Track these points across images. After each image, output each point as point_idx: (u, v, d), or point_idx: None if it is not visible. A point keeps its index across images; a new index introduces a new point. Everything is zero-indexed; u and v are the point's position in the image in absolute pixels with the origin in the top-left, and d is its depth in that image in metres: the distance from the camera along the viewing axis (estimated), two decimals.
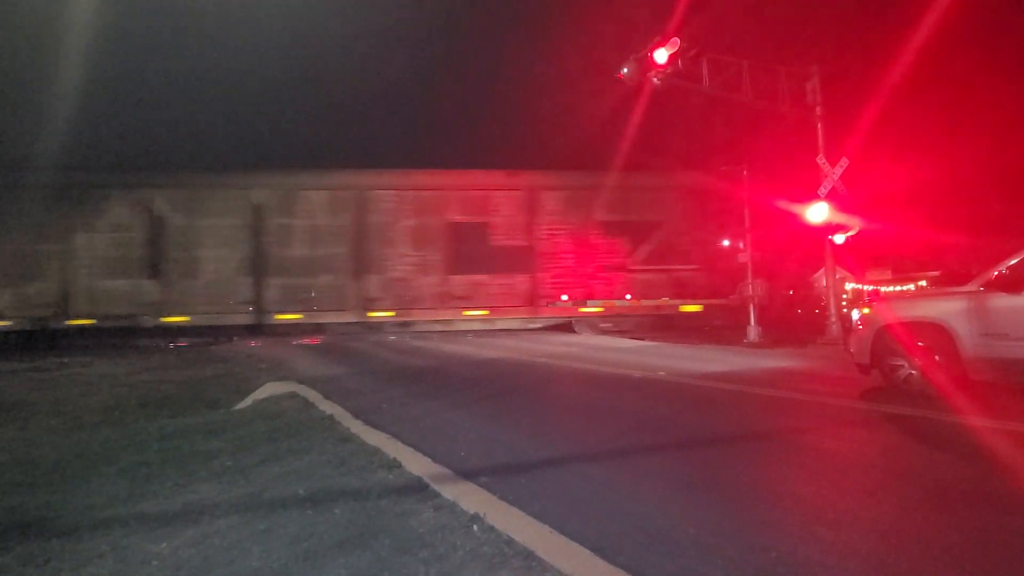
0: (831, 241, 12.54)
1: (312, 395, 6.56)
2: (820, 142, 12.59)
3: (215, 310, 17.54)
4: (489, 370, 9.52)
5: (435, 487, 3.20)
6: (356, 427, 4.83)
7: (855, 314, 6.81)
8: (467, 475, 3.45)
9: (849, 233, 12.18)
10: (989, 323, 5.26)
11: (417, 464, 3.68)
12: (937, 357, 5.58)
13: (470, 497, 3.01)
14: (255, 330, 17.91)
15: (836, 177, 11.89)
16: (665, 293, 18.85)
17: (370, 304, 18.02)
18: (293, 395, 6.67)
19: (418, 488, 3.21)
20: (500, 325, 19.16)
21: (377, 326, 18.60)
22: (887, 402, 5.49)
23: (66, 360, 12.57)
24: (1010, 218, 15.91)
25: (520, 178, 19.09)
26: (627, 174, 19.50)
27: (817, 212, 12.04)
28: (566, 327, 19.18)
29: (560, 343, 15.32)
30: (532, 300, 18.60)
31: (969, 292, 5.53)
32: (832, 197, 11.95)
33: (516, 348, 13.77)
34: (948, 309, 5.61)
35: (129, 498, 3.41)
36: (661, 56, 11.29)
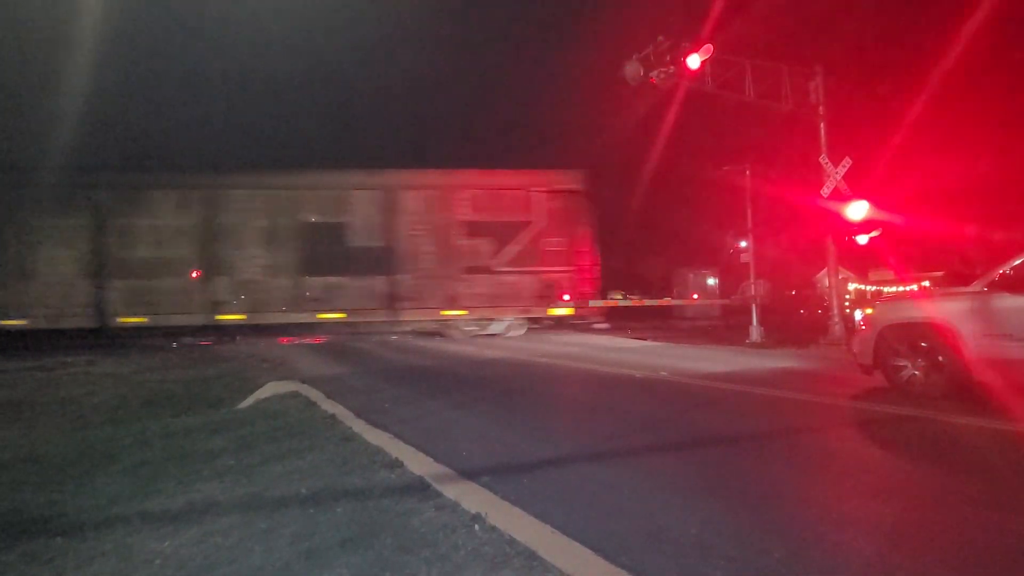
0: (832, 242, 12.49)
1: (314, 394, 6.56)
2: (823, 141, 12.57)
3: (53, 313, 16.70)
4: (491, 370, 9.52)
5: (437, 487, 3.20)
6: (358, 426, 4.84)
7: (858, 314, 6.79)
8: (469, 475, 3.45)
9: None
10: (993, 323, 5.23)
11: (419, 464, 3.68)
12: (940, 358, 5.56)
13: (472, 497, 3.01)
14: (98, 334, 17.05)
15: (839, 177, 11.86)
16: (533, 295, 18.11)
17: (219, 307, 17.31)
18: (295, 394, 6.68)
19: (420, 488, 3.21)
20: (361, 329, 18.47)
21: (227, 329, 17.89)
22: (890, 403, 5.47)
23: (70, 359, 12.61)
24: (1018, 217, 15.82)
25: (378, 178, 18.47)
26: (494, 173, 18.88)
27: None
28: (432, 331, 18.56)
29: (562, 343, 15.33)
30: (392, 302, 17.88)
31: (973, 292, 5.51)
32: (835, 197, 11.90)
33: (518, 348, 13.79)
34: (952, 309, 5.58)
35: (132, 497, 3.43)
36: (664, 56, 11.27)
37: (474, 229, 18.20)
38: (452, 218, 18.19)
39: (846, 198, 11.81)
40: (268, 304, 17.51)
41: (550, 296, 18.12)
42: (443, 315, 17.97)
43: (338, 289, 17.71)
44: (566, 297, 18.12)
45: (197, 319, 17.35)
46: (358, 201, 18.09)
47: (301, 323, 17.87)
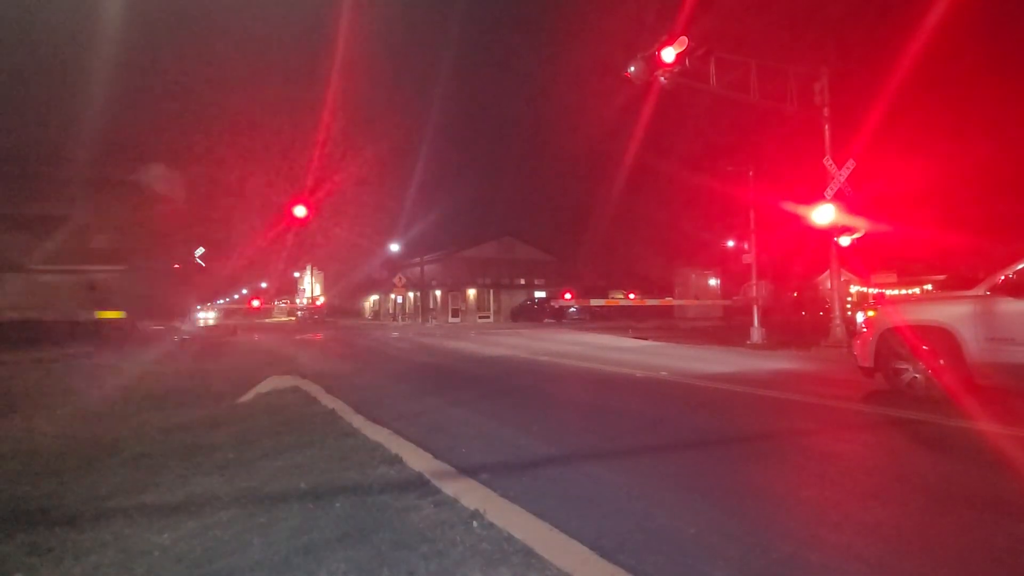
0: (836, 243, 12.46)
1: (315, 390, 6.58)
2: (827, 143, 12.53)
3: None
4: (491, 368, 9.53)
5: (436, 483, 3.20)
6: (358, 422, 4.84)
7: (860, 317, 6.77)
8: (468, 472, 3.45)
9: (855, 235, 12.08)
10: (995, 327, 5.22)
11: (418, 460, 3.68)
12: (942, 361, 5.54)
13: (470, 494, 3.02)
14: None
15: (843, 179, 11.82)
16: (76, 296, 16.32)
17: None
18: (296, 389, 6.70)
19: (419, 484, 3.22)
20: None
21: None
22: (891, 405, 5.46)
23: (72, 352, 12.66)
24: (1020, 220, 15.79)
25: None
26: (26, 163, 17.32)
27: (822, 214, 11.94)
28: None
29: (564, 342, 15.33)
30: None
31: (976, 296, 5.49)
32: (839, 199, 11.88)
33: (519, 346, 13.79)
34: (954, 313, 5.57)
35: (132, 489, 3.43)
36: (668, 55, 11.23)
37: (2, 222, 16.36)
38: None
39: (847, 200, 11.79)
40: None
41: (100, 298, 16.35)
42: None
43: None
44: (120, 299, 16.30)
45: None
46: None
47: None
